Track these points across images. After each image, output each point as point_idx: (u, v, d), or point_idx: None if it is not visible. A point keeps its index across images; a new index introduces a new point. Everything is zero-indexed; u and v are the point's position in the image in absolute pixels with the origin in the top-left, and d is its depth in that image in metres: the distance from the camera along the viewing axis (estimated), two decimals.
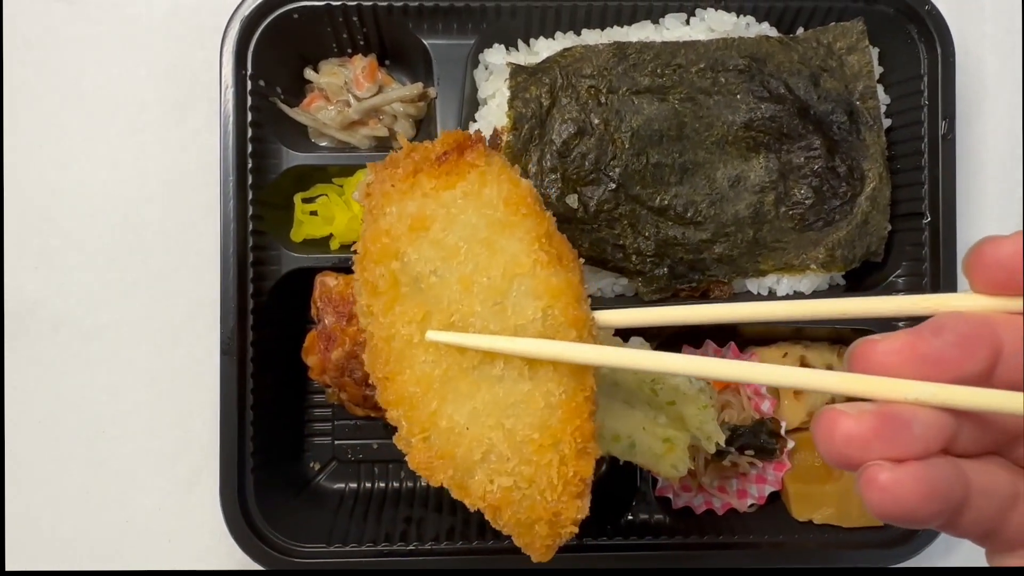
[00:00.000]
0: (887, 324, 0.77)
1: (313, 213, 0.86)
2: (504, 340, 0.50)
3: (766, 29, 0.84)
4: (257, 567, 0.78)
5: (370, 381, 0.74)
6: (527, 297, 0.51)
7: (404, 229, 0.54)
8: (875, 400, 0.38)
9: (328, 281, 0.78)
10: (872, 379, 0.38)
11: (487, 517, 0.52)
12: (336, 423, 0.89)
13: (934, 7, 0.81)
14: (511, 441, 0.51)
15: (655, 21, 0.83)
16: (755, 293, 0.83)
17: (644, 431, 0.73)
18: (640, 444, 0.72)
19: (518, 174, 0.56)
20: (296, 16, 0.80)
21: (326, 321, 0.76)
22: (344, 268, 0.82)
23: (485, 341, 0.51)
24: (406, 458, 0.53)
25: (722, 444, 0.74)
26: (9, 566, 0.86)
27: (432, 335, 0.52)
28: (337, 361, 0.76)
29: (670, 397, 0.72)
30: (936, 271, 0.81)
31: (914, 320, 0.40)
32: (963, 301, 0.40)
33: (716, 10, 0.82)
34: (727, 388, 0.85)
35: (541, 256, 0.52)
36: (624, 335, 0.86)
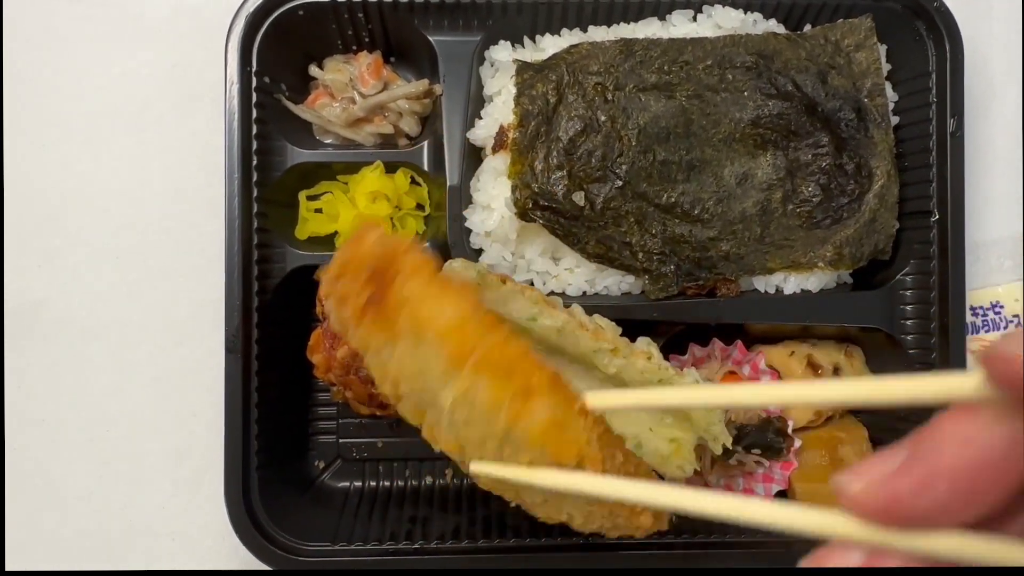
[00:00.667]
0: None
1: (318, 211, 0.85)
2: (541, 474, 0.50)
3: (773, 26, 0.83)
4: (262, 567, 0.78)
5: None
6: (520, 451, 0.50)
7: (385, 375, 0.53)
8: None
9: None
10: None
11: None
12: (341, 421, 0.89)
13: (942, 3, 0.80)
14: None
15: (662, 18, 0.83)
16: (762, 291, 0.82)
17: (651, 431, 0.72)
18: (646, 444, 0.72)
19: (453, 269, 0.58)
20: (301, 13, 0.80)
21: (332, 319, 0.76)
22: None
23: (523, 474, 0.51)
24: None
25: (729, 445, 0.74)
26: (10, 566, 0.86)
27: (476, 467, 0.53)
28: (343, 359, 0.75)
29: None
30: (944, 270, 0.80)
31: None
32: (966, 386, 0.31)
33: (723, 7, 0.82)
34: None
35: (510, 405, 0.49)
36: (632, 335, 0.85)
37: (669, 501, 0.45)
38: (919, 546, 0.31)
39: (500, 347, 0.50)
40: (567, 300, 0.81)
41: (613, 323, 0.73)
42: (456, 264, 0.67)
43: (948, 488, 0.30)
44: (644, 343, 0.72)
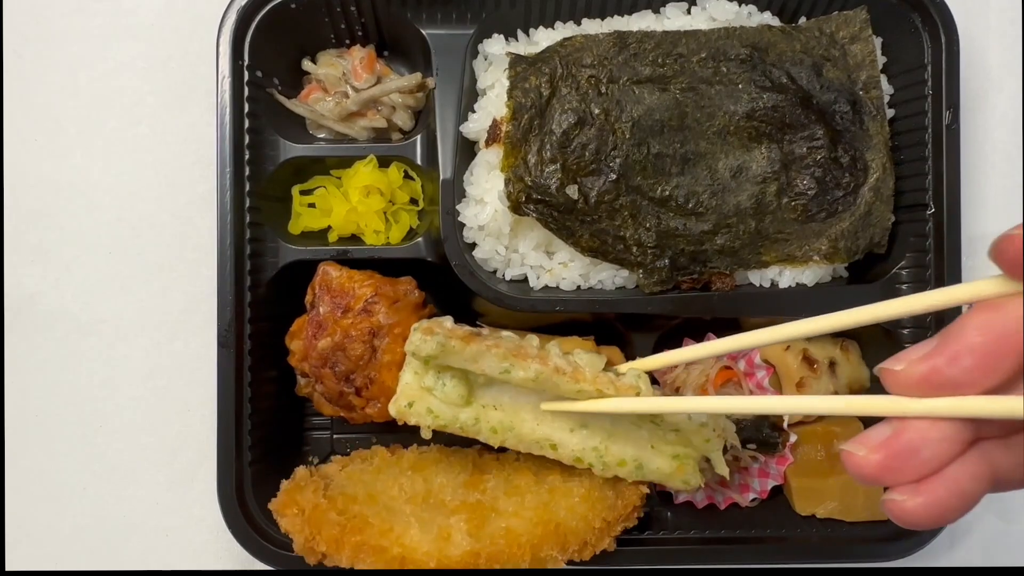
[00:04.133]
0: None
1: (311, 205, 0.85)
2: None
3: (768, 18, 0.83)
4: (256, 562, 0.77)
5: (351, 378, 0.74)
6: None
7: None
8: (891, 419, 0.41)
9: (331, 271, 0.77)
10: (877, 400, 0.43)
11: None
12: (334, 417, 0.88)
13: None
14: None
15: (656, 10, 0.83)
16: (757, 285, 0.82)
17: (652, 449, 0.72)
18: (647, 464, 0.72)
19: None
20: (294, 6, 0.80)
21: (320, 309, 0.76)
22: (343, 260, 0.82)
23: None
24: None
25: (726, 475, 0.74)
26: (8, 563, 0.86)
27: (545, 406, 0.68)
28: (323, 350, 0.75)
29: (672, 428, 0.71)
30: (940, 263, 0.80)
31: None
32: (987, 288, 0.40)
33: None
34: (728, 381, 0.84)
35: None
36: (627, 329, 0.85)
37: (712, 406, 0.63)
38: (939, 408, 0.39)
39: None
40: (561, 295, 0.80)
41: (595, 355, 0.70)
42: (415, 337, 0.68)
43: (973, 360, 0.38)
44: (633, 377, 0.67)
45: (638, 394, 0.65)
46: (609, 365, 0.70)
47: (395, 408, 0.70)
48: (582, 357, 0.69)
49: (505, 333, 0.72)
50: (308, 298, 0.79)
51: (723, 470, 0.73)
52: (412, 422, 0.70)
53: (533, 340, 0.72)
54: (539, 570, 0.72)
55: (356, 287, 0.75)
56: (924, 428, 0.40)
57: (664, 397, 0.68)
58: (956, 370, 0.39)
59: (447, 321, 0.71)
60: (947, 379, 0.39)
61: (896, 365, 0.41)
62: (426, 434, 0.71)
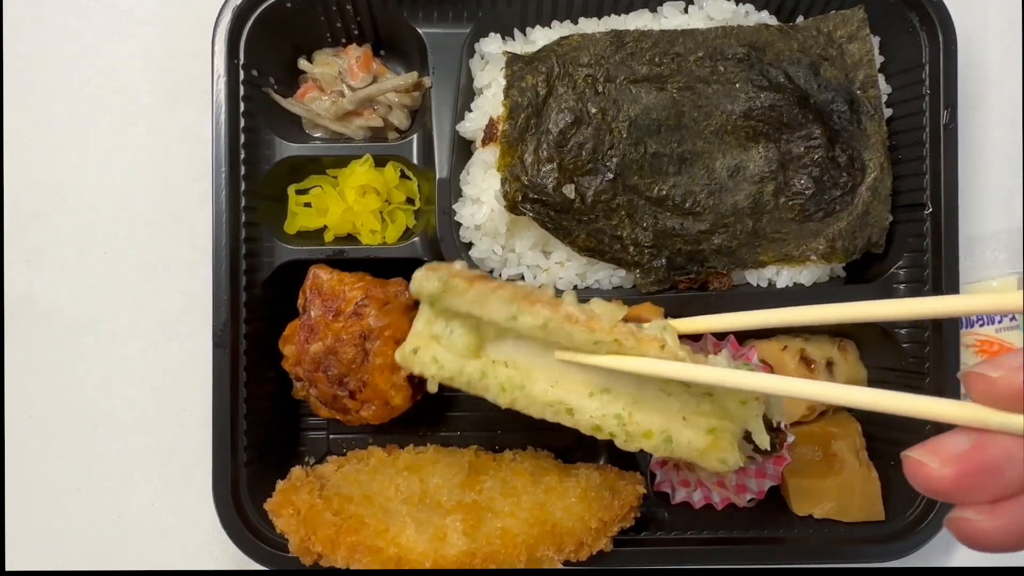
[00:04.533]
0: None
1: (307, 205, 0.85)
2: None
3: (765, 17, 0.83)
4: (254, 565, 0.77)
5: (344, 382, 0.74)
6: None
7: None
8: (967, 429, 0.37)
9: (321, 274, 0.77)
10: (953, 405, 0.38)
11: None
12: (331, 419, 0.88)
13: None
14: None
15: (653, 9, 0.82)
16: (755, 285, 0.82)
17: (684, 421, 0.63)
18: (678, 439, 0.63)
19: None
20: (289, 5, 0.79)
21: (312, 312, 0.75)
22: (338, 261, 0.81)
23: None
24: None
25: (766, 446, 0.64)
26: (7, 562, 0.86)
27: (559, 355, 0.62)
28: (315, 354, 0.75)
29: (704, 388, 0.62)
30: (938, 263, 0.80)
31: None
32: None
33: None
34: None
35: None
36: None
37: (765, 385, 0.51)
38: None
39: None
40: (558, 294, 0.80)
41: (616, 304, 0.64)
42: (419, 274, 0.64)
43: None
44: (658, 328, 0.61)
45: (663, 347, 0.58)
46: (638, 322, 0.63)
47: (400, 355, 0.67)
48: (599, 306, 0.63)
49: (520, 282, 0.68)
50: (300, 302, 0.79)
51: (763, 441, 0.64)
52: (416, 371, 0.66)
53: (548, 288, 0.66)
54: (535, 570, 0.72)
55: (347, 290, 0.75)
56: (1009, 446, 0.36)
57: (695, 365, 0.58)
58: None
59: (457, 263, 0.65)
60: None
61: (993, 371, 0.36)
62: (432, 387, 0.66)
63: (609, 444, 0.64)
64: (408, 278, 0.81)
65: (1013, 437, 0.35)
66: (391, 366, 0.74)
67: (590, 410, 0.62)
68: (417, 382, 0.76)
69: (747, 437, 0.80)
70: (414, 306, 0.79)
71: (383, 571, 0.69)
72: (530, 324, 0.60)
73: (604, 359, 0.59)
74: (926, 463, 0.36)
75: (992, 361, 0.36)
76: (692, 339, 0.86)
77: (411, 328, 0.67)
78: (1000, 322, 0.87)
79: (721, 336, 0.86)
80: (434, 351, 0.65)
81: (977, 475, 0.36)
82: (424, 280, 0.63)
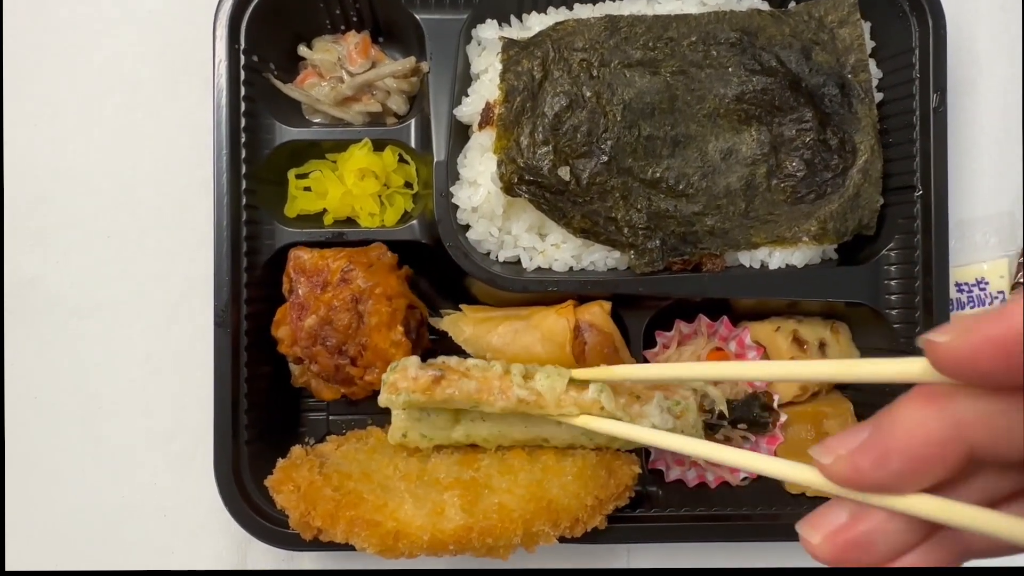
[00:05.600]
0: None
1: (307, 188, 0.86)
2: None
3: (757, 2, 0.84)
4: (255, 542, 0.78)
5: (344, 349, 0.76)
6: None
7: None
8: (847, 502, 0.38)
9: (302, 254, 0.79)
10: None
11: None
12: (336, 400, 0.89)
13: None
14: None
15: None
16: (747, 266, 0.83)
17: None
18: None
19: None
20: None
21: (300, 291, 0.77)
22: (338, 243, 0.83)
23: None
24: None
25: (725, 410, 0.78)
26: (7, 555, 0.87)
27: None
28: (310, 328, 0.76)
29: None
30: (928, 245, 0.81)
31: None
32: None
33: None
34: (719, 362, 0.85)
35: None
36: (619, 310, 0.86)
37: (682, 447, 0.58)
38: (891, 505, 0.36)
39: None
40: (554, 276, 0.81)
41: (556, 376, 0.72)
42: (382, 398, 0.72)
43: (900, 463, 0.35)
44: (595, 391, 0.71)
45: (601, 409, 0.71)
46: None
47: (392, 441, 0.75)
48: (542, 383, 0.72)
49: (470, 362, 0.74)
50: (285, 286, 0.80)
51: (721, 403, 0.79)
52: (412, 447, 0.76)
53: (496, 368, 0.73)
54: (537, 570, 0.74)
55: (329, 262, 0.77)
56: (883, 520, 0.37)
57: (624, 422, 0.70)
58: (883, 473, 0.35)
59: (411, 367, 0.72)
60: (874, 482, 0.36)
61: (823, 457, 0.37)
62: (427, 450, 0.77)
63: None
64: (406, 262, 0.84)
65: (888, 512, 0.37)
66: (387, 323, 0.75)
67: (562, 436, 0.76)
68: (415, 337, 0.80)
69: (745, 417, 0.82)
70: (398, 265, 0.81)
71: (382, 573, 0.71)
72: (490, 412, 0.72)
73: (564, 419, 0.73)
74: (809, 540, 0.38)
75: (825, 444, 0.38)
76: (687, 320, 0.87)
77: (392, 422, 0.75)
78: (991, 304, 0.89)
79: (715, 318, 0.87)
80: (420, 430, 0.75)
81: (853, 550, 0.37)
82: (391, 401, 0.72)
